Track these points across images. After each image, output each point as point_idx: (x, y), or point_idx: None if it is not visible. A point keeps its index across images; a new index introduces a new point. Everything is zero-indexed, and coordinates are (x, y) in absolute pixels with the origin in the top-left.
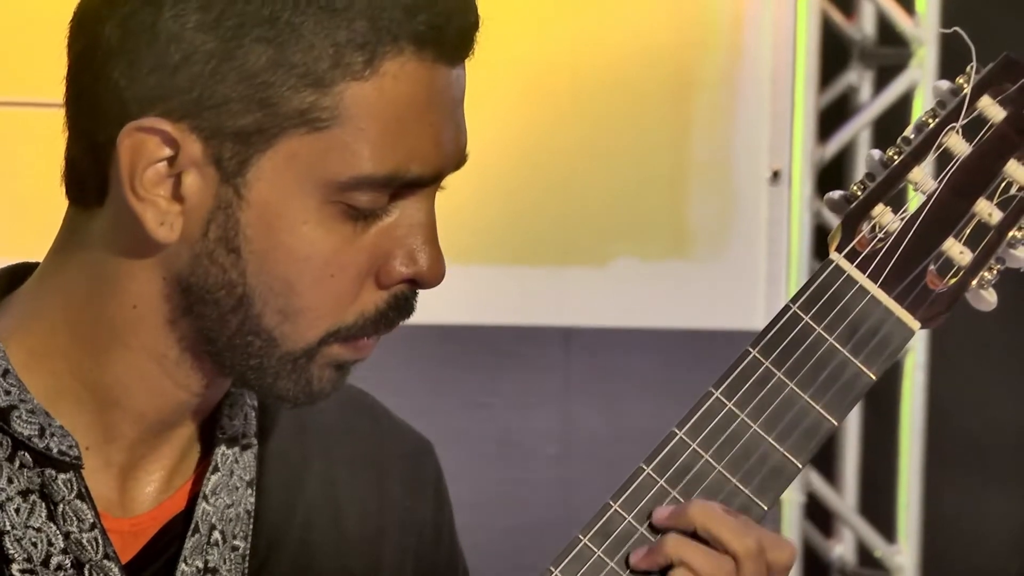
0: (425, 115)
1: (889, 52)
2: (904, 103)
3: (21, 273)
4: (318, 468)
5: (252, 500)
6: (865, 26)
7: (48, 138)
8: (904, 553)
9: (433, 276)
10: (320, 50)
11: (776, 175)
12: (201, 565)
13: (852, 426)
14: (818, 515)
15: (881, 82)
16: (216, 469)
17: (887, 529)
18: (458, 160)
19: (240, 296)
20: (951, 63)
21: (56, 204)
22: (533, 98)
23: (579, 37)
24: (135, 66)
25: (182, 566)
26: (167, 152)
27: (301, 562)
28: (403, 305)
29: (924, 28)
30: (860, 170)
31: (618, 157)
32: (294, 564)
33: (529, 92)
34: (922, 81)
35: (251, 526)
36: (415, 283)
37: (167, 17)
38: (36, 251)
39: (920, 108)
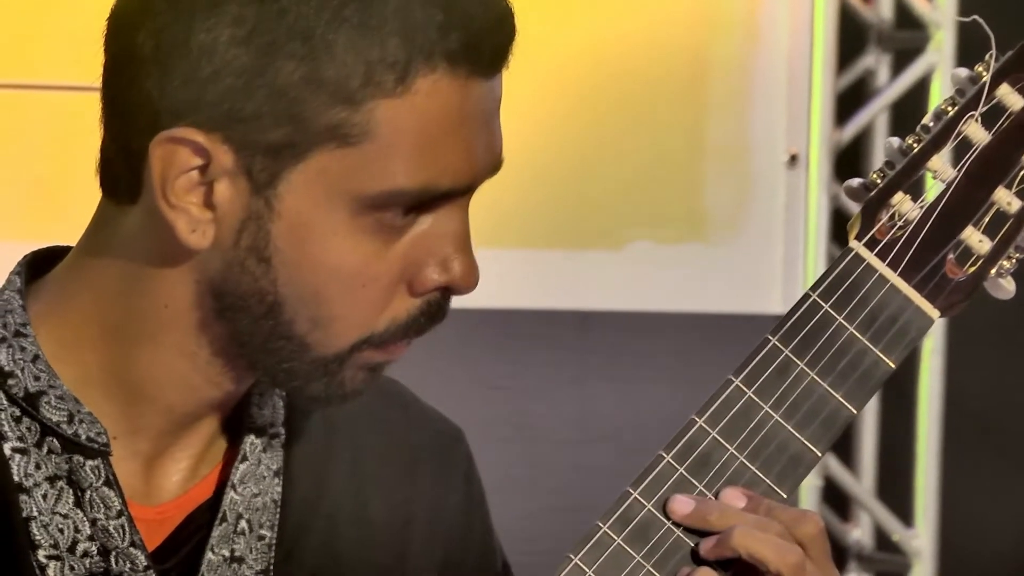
0: (458, 130)
1: (906, 36)
2: (922, 87)
3: (50, 258)
4: (345, 457)
5: (279, 489)
6: (882, 9)
7: (62, 121)
8: (921, 537)
9: (466, 284)
10: (352, 68)
11: (793, 159)
12: (228, 554)
13: (869, 410)
14: (835, 499)
15: (899, 66)
16: (244, 458)
17: (904, 513)
18: (493, 168)
19: (271, 304)
20: (969, 47)
21: (71, 187)
22: (549, 83)
23: (595, 21)
24: (167, 77)
25: (209, 555)
26: (199, 161)
27: (327, 551)
28: (436, 311)
29: (942, 12)
30: (877, 154)
31: (634, 141)
32: (320, 553)
33: (545, 77)
34: (940, 65)
35: (278, 515)
36: (448, 290)
37: (200, 31)
38: (53, 233)
39: (938, 92)
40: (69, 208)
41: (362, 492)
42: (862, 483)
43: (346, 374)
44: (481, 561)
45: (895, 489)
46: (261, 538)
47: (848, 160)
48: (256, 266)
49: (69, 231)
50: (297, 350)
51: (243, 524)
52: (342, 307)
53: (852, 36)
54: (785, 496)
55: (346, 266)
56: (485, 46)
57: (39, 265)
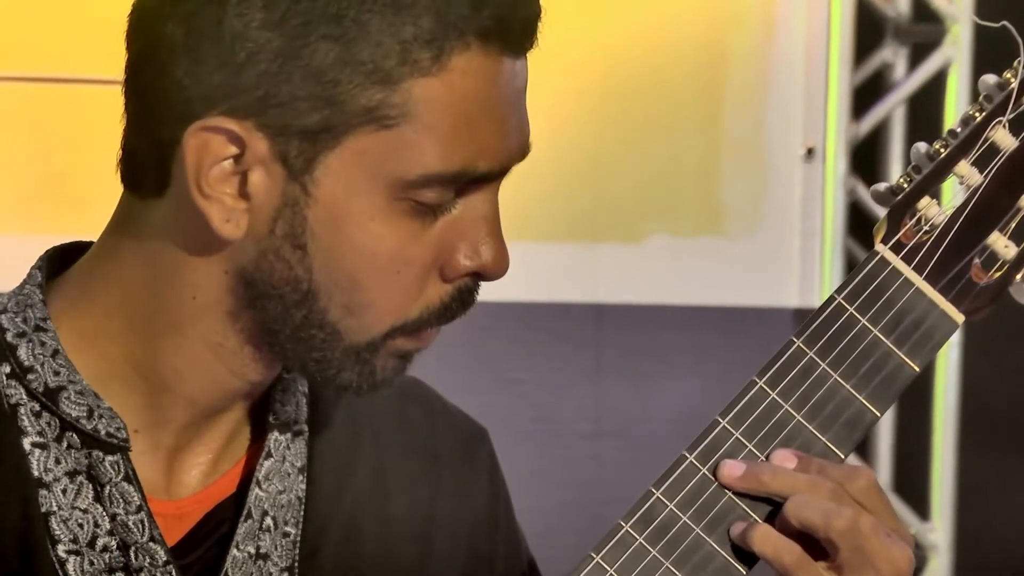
0: (492, 109)
1: (924, 29)
2: (939, 81)
3: (71, 253)
4: (367, 456)
5: (304, 487)
6: (899, 3)
7: (76, 114)
8: (938, 531)
9: (497, 269)
10: (387, 47)
11: (810, 152)
12: (253, 551)
13: None
14: None
15: (916, 59)
16: (269, 455)
17: (921, 507)
18: (523, 152)
19: (306, 292)
20: (986, 42)
21: (86, 181)
22: (567, 77)
23: (612, 15)
24: (199, 65)
25: (234, 551)
26: (233, 150)
27: (350, 549)
28: (467, 297)
29: (958, 6)
30: (895, 148)
31: (651, 134)
32: (343, 551)
33: (563, 71)
34: (957, 59)
35: (302, 513)
36: (479, 276)
37: (231, 15)
38: (68, 227)
39: (955, 86)
40: (84, 202)
41: (385, 490)
42: (879, 477)
43: (377, 363)
44: (509, 560)
45: (911, 483)
46: (286, 535)
47: (865, 154)
48: (292, 253)
49: (84, 225)
50: (329, 339)
51: (268, 521)
52: (378, 293)
53: (869, 30)
54: None
55: (383, 251)
56: (515, 22)
57: (60, 260)
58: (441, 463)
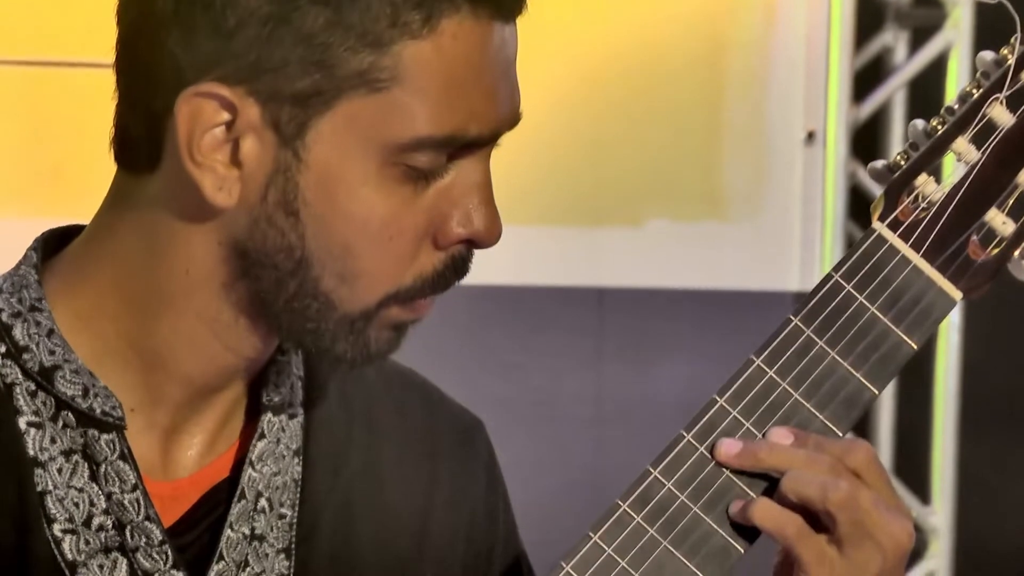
0: (482, 74)
1: (924, 13)
2: (939, 64)
3: (66, 236)
4: (361, 443)
5: (299, 469)
6: None
7: (76, 98)
8: (938, 515)
9: (490, 236)
10: (377, 10)
11: (811, 136)
12: (248, 531)
13: (886, 387)
14: None
15: (916, 43)
16: (263, 436)
17: (921, 491)
18: (513, 119)
19: (299, 259)
20: (986, 25)
21: (86, 164)
22: (567, 60)
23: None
24: (191, 33)
25: (228, 532)
26: (225, 117)
27: (345, 533)
28: (460, 265)
29: None
30: (895, 132)
31: (652, 118)
32: (338, 535)
33: (564, 55)
34: (957, 42)
35: (298, 495)
36: (472, 243)
37: None
38: (68, 210)
39: (955, 70)
40: (84, 186)
41: (380, 478)
42: None
43: (371, 333)
44: (507, 552)
45: (912, 467)
46: (282, 517)
47: (865, 138)
48: (284, 220)
49: (84, 209)
50: (323, 308)
51: (263, 502)
52: (370, 261)
53: (869, 14)
54: None
55: (375, 217)
56: None
57: (56, 242)
58: (439, 453)
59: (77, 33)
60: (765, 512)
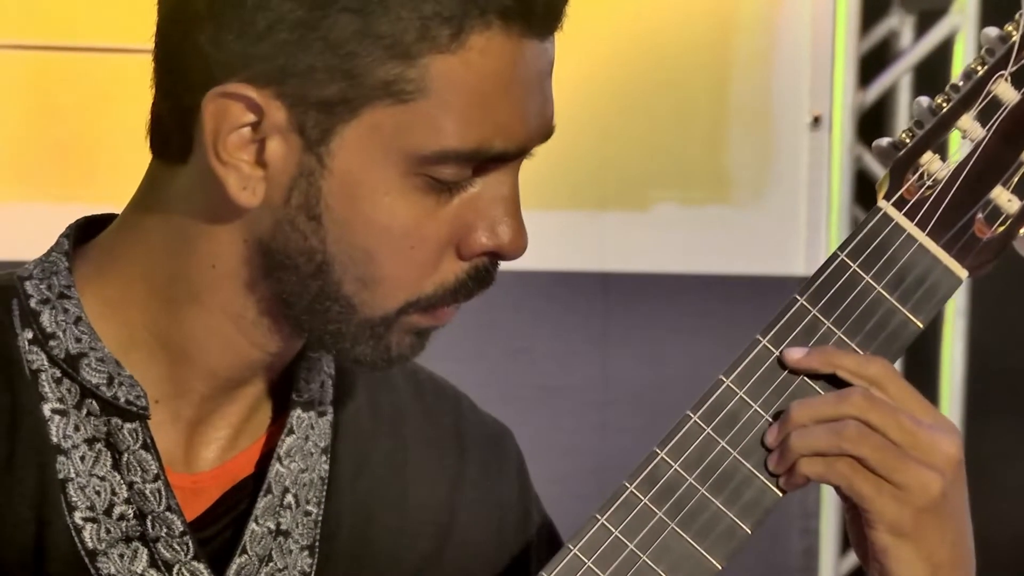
0: (511, 90)
1: None
2: (945, 48)
3: (97, 223)
4: (387, 444)
5: (327, 467)
6: None
7: (90, 83)
8: None
9: (514, 249)
10: (407, 22)
11: (817, 120)
12: (273, 527)
13: None
14: None
15: (922, 27)
16: (291, 431)
17: None
18: (545, 133)
19: (320, 263)
20: (992, 8)
21: (99, 149)
22: (573, 44)
23: None
24: (221, 32)
25: (253, 526)
26: (251, 118)
27: (369, 533)
28: (483, 276)
29: None
30: (901, 115)
31: (658, 102)
32: (362, 535)
33: (569, 38)
34: (963, 26)
35: (324, 493)
36: (496, 255)
37: None
38: (81, 195)
39: (961, 53)
40: (90, 170)
41: (404, 478)
42: None
43: (392, 338)
44: (548, 548)
45: None
46: (308, 514)
47: (871, 122)
48: (306, 224)
49: (90, 193)
50: (344, 311)
51: (289, 498)
52: (391, 268)
53: None
54: None
55: (396, 225)
56: (538, 5)
57: (89, 229)
58: (467, 456)
59: (83, 18)
60: (812, 462)
